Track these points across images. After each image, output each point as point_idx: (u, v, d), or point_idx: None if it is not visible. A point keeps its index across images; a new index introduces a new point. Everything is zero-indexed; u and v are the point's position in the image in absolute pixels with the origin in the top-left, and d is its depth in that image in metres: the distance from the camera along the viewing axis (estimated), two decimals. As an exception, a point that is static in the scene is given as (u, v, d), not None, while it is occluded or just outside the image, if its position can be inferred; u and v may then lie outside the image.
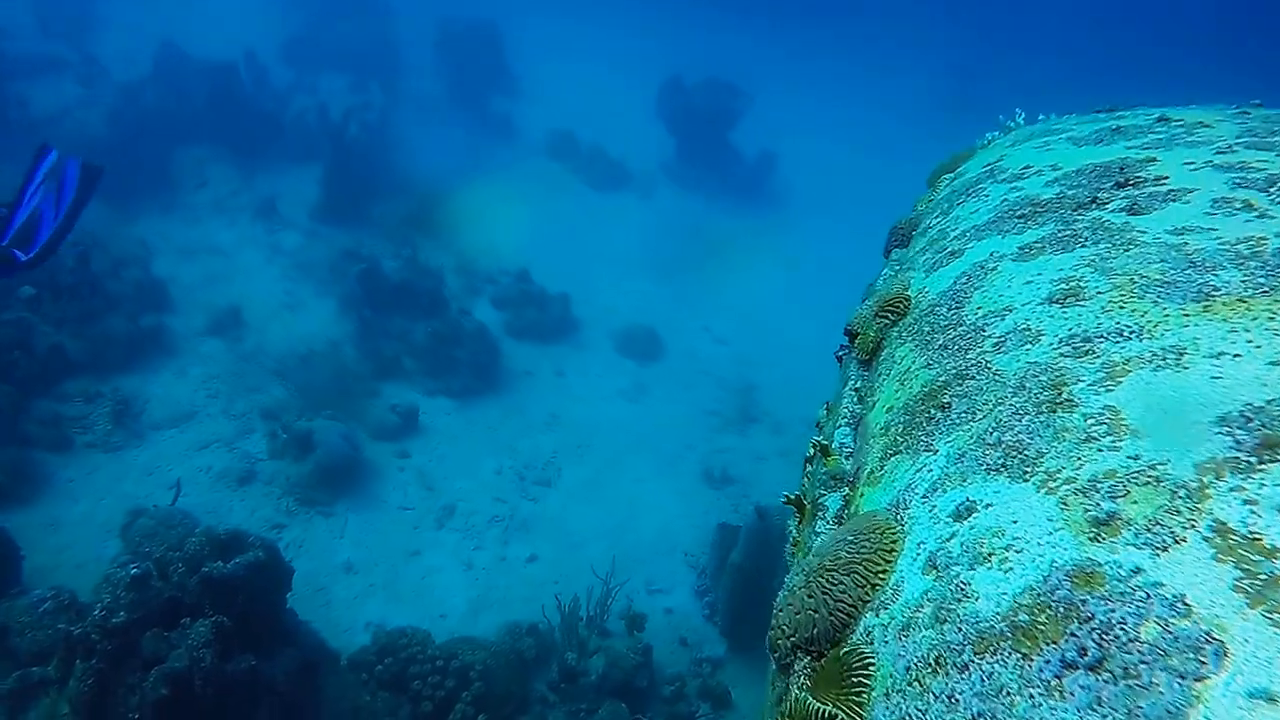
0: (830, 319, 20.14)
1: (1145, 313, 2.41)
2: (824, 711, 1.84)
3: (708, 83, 27.41)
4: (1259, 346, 2.10)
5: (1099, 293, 2.59)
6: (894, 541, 2.17)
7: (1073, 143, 4.25)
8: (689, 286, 21.74)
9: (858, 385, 3.25)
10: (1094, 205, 3.23)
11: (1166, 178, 3.30)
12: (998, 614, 1.74)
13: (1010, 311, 2.74)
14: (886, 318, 3.25)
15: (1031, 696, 1.55)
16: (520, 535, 13.24)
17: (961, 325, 2.85)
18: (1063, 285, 2.72)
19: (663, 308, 20.10)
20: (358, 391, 14.61)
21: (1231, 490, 1.73)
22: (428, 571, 12.33)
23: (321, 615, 11.35)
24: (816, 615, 2.13)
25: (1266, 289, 2.31)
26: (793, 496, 2.92)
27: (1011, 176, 4.01)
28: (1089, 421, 2.09)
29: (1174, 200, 3.06)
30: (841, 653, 2.00)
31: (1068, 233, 3.08)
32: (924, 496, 2.26)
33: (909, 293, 3.36)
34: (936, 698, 1.71)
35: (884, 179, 33.72)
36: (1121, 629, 1.55)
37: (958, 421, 2.41)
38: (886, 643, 1.94)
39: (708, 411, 17.36)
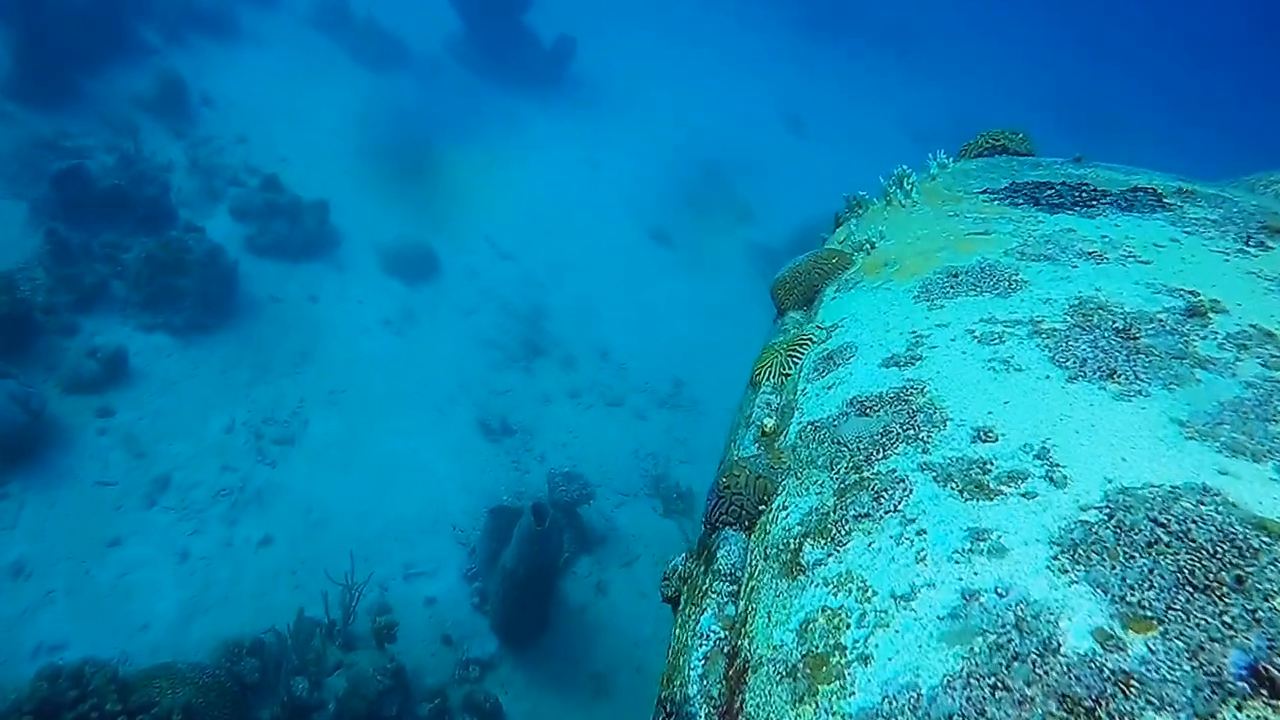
0: (633, 232, 17.72)
1: None
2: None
3: (499, -47, 23.37)
4: None
5: None
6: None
7: (1055, 360, 2.16)
8: (473, 188, 18.73)
9: None
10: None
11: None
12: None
13: None
14: None
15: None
16: (252, 512, 10.63)
17: None
18: None
19: (440, 215, 17.09)
20: (47, 329, 11.12)
21: None
22: (128, 567, 9.59)
23: (-23, 642, 8.57)
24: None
25: None
26: None
27: (959, 464, 1.89)
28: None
29: None
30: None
31: None
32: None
33: None
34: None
35: (703, 74, 31.26)
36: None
37: None
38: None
39: (488, 343, 14.93)
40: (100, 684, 7.88)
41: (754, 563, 2.05)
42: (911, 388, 2.22)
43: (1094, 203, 3.27)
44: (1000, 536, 1.73)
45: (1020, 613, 1.56)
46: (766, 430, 2.44)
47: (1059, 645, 1.48)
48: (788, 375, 2.64)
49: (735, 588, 2.07)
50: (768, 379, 2.68)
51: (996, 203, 3.33)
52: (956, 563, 1.70)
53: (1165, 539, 1.62)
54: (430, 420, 12.81)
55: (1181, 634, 1.45)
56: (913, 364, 2.31)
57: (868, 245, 3.13)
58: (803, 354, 2.64)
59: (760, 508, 2.16)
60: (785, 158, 26.55)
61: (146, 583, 9.54)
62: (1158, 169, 3.97)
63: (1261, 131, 44.77)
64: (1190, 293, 2.50)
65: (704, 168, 23.46)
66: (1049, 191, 3.42)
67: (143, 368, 11.53)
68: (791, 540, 1.97)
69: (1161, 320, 2.33)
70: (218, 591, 9.73)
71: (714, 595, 2.06)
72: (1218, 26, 57.04)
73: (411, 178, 17.50)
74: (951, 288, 2.65)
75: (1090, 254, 2.79)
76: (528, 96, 23.30)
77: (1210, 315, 2.34)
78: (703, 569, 2.22)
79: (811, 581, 1.83)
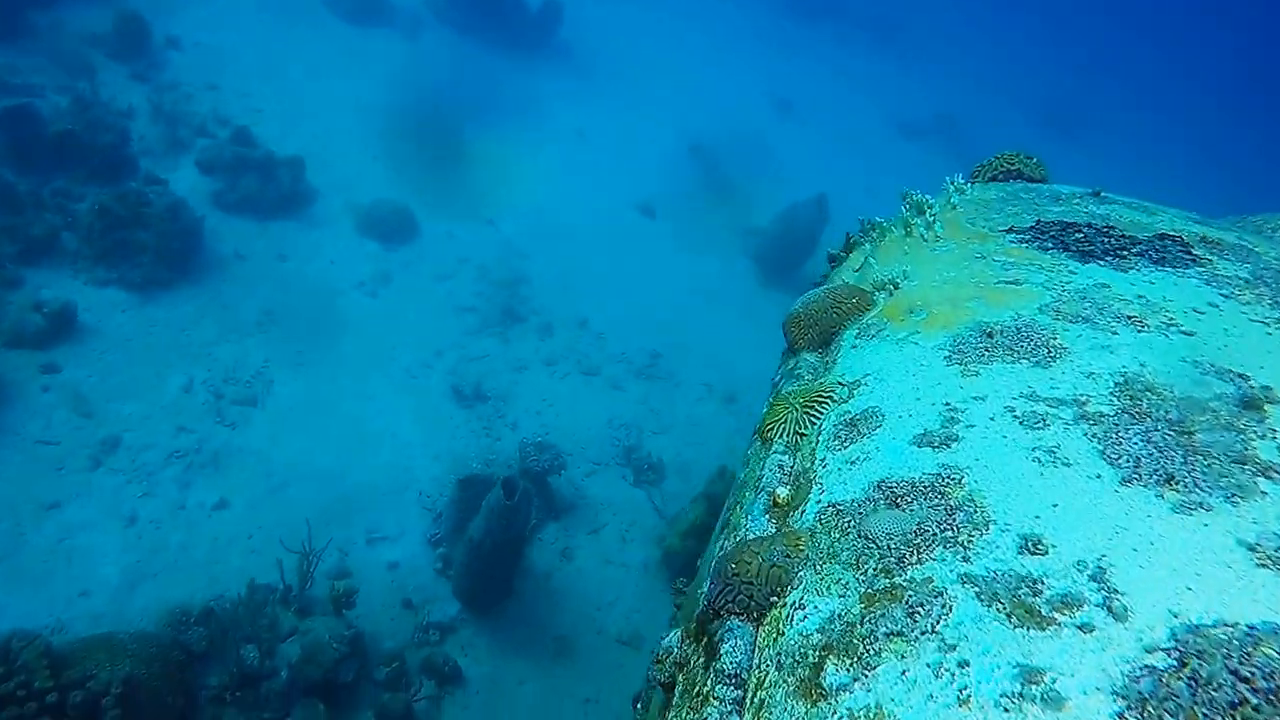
0: (618, 203, 17.34)
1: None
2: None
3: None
4: None
5: None
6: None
7: (1106, 456, 1.98)
8: (455, 152, 18.23)
9: None
10: None
11: None
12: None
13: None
14: None
15: None
16: (208, 474, 10.24)
17: None
18: None
19: (421, 177, 16.60)
20: (-10, 280, 10.61)
21: None
22: (68, 531, 9.15)
23: (-98, 613, 8.19)
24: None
25: None
26: None
27: (1005, 581, 1.73)
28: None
29: None
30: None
31: None
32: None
33: None
34: None
35: (692, 51, 30.66)
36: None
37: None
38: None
39: (464, 308, 14.55)
40: (30, 659, 7.45)
41: (764, 668, 1.84)
42: (948, 476, 2.01)
43: (1124, 252, 3.08)
44: (1055, 679, 1.53)
45: None
46: (779, 501, 2.23)
47: None
48: (803, 435, 2.42)
49: (740, 693, 1.86)
50: (780, 436, 2.45)
51: (1024, 245, 3.12)
52: (1006, 710, 1.50)
53: (1253, 700, 1.43)
54: (401, 384, 12.48)
55: None
56: (948, 446, 2.10)
57: (890, 285, 2.90)
58: (821, 413, 2.42)
59: (772, 599, 1.95)
60: (773, 138, 26.23)
61: (88, 547, 9.14)
62: (1152, 163, 3.80)
63: (1243, 129, 45.30)
64: (1240, 376, 2.31)
65: (692, 144, 23.13)
66: (1077, 235, 3.22)
67: (94, 324, 11.04)
68: (810, 652, 1.76)
69: (1215, 411, 2.14)
70: (167, 557, 9.36)
71: (715, 702, 1.84)
72: (1206, 28, 57.40)
73: (392, 138, 16.97)
74: (986, 349, 2.45)
75: (1129, 318, 2.59)
76: (513, 61, 22.69)
77: (1265, 408, 2.15)
78: (702, 661, 2.01)
79: (834, 711, 1.62)
